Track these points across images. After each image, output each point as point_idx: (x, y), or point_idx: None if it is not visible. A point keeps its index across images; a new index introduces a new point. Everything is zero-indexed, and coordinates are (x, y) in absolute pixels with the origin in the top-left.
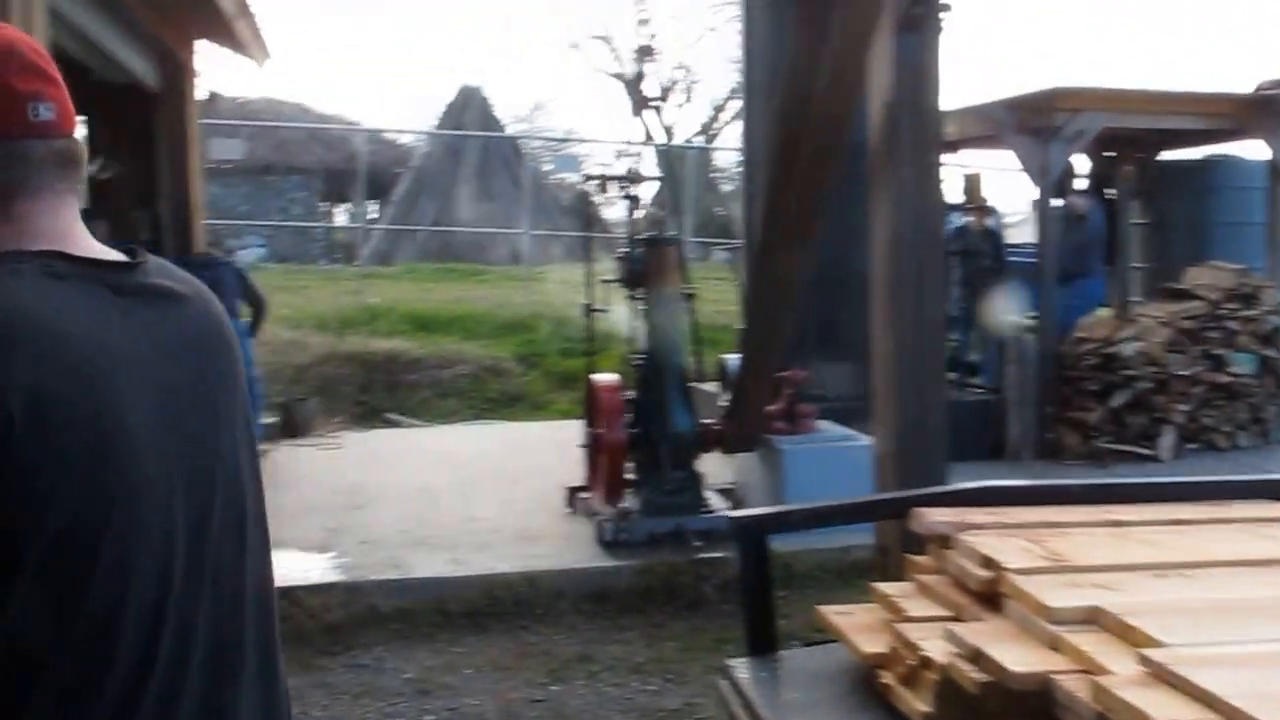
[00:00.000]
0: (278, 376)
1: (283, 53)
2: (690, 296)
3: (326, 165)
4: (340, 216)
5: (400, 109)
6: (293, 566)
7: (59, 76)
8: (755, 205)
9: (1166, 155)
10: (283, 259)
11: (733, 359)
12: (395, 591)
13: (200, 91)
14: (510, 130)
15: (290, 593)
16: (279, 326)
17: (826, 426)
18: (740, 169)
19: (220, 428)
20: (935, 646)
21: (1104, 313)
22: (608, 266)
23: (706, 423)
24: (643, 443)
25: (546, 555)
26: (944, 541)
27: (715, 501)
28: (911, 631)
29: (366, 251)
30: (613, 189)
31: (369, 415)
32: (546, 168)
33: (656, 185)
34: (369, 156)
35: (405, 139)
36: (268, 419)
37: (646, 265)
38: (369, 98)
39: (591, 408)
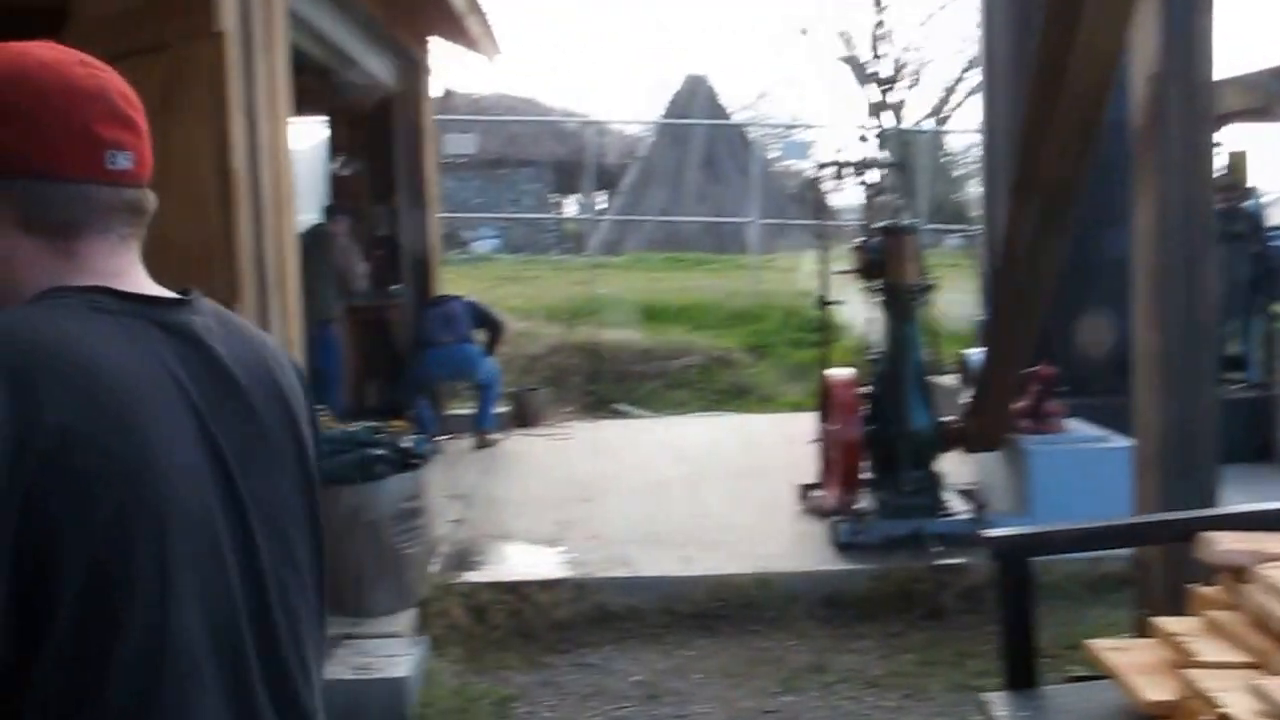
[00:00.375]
0: (510, 366)
1: (512, 47)
2: (929, 288)
3: (557, 157)
4: (570, 207)
5: (627, 99)
6: (521, 560)
7: (144, 126)
8: (997, 189)
9: None
10: (516, 250)
11: (975, 353)
12: (624, 589)
13: (434, 89)
14: (737, 118)
15: (519, 587)
16: (511, 317)
17: (1076, 426)
18: (979, 151)
19: (273, 475)
20: (1238, 702)
21: None
22: (841, 256)
23: (946, 420)
24: (879, 441)
25: (778, 556)
26: (1238, 573)
27: (955, 504)
28: (1205, 680)
29: (595, 241)
30: (847, 175)
31: (598, 406)
32: (773, 155)
33: (890, 171)
34: (597, 148)
35: (633, 129)
36: (501, 408)
37: (883, 255)
38: (597, 89)
39: (825, 403)
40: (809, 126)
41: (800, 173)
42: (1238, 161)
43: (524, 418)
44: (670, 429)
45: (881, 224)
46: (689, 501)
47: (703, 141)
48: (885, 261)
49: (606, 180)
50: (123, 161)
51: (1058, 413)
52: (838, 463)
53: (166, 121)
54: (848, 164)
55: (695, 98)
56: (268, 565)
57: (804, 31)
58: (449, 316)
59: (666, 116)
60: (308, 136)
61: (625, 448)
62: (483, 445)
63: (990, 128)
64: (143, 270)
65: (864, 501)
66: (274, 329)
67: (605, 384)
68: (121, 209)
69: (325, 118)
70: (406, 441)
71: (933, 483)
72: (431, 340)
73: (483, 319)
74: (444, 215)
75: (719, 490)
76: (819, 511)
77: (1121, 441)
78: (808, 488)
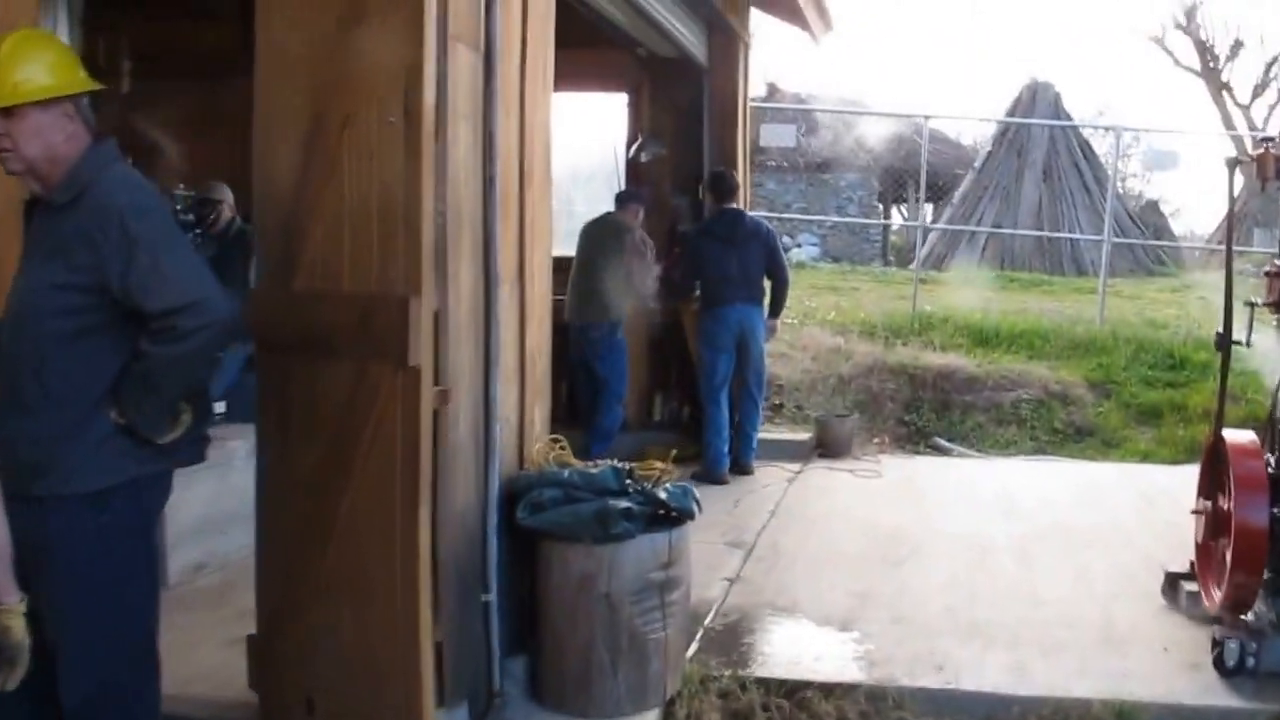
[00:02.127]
0: (817, 387)
1: (842, 47)
2: None
3: (885, 164)
4: (896, 217)
5: (963, 105)
6: (803, 647)
7: None
8: None
9: None
10: (836, 258)
11: None
12: (935, 705)
13: (754, 66)
14: (1084, 130)
15: (796, 690)
16: (823, 331)
17: None
18: None
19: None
20: None
21: None
22: (1251, 284)
23: None
24: None
25: (1140, 676)
26: None
27: None
28: None
29: (922, 254)
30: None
31: (914, 438)
32: (1125, 169)
33: None
34: (929, 155)
35: (968, 140)
36: (802, 434)
37: None
38: (931, 92)
39: (1215, 472)
40: (1177, 132)
41: (1143, 193)
42: None
43: (829, 447)
44: (997, 473)
45: None
46: (1020, 574)
47: (1044, 152)
48: None
49: (937, 190)
50: None
51: None
52: (1229, 554)
53: (353, 35)
54: None
55: (1037, 105)
56: None
57: (1157, 39)
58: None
59: (1006, 126)
60: (606, 115)
61: (943, 492)
62: (741, 472)
63: None
64: None
65: (1262, 611)
66: (503, 326)
67: (924, 414)
68: None
69: (626, 94)
70: (665, 490)
71: None
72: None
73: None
74: (760, 214)
75: (1058, 563)
76: (1194, 612)
77: None
78: (1177, 577)
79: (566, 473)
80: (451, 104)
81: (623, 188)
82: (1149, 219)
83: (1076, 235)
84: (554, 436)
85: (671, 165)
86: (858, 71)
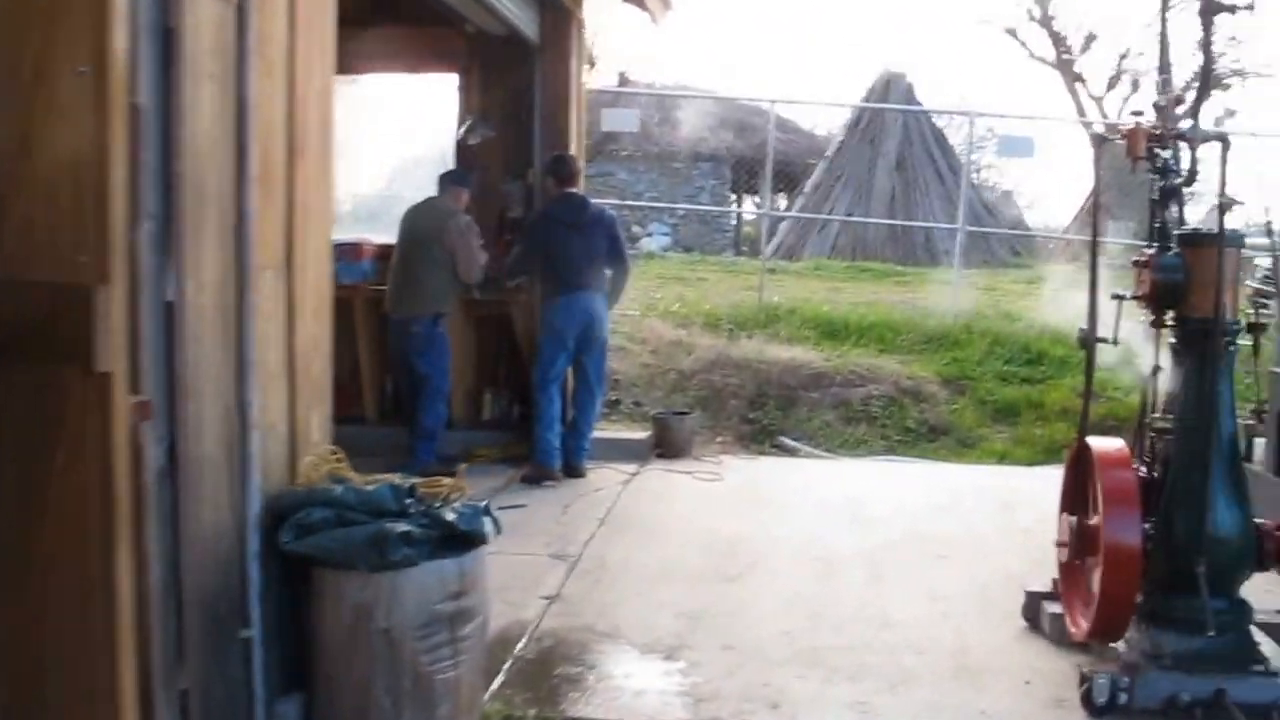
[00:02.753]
0: (656, 383)
1: (691, 37)
2: (1257, 327)
3: (736, 153)
4: (751, 206)
5: (818, 95)
6: (625, 682)
7: None
8: None
9: None
10: (687, 248)
11: None
12: None
13: (606, 53)
14: (937, 120)
15: None
16: (665, 324)
17: None
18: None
19: None
20: None
21: None
22: (1117, 274)
23: (1265, 525)
24: (1163, 550)
25: (998, 715)
26: None
27: (1271, 651)
28: None
29: (773, 244)
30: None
31: (758, 437)
32: (980, 158)
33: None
34: (782, 144)
35: (823, 130)
36: (640, 433)
37: (1184, 275)
38: (784, 82)
39: (1079, 486)
40: (1030, 119)
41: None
42: None
43: (667, 447)
44: (845, 475)
45: (1185, 230)
46: (869, 594)
47: (897, 141)
48: (1186, 285)
49: (790, 180)
50: None
51: None
52: (1098, 578)
53: None
54: (1171, 135)
55: (891, 94)
56: None
57: (1011, 31)
58: None
59: (859, 115)
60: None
61: (787, 497)
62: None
63: None
64: None
65: (1134, 641)
66: (265, 320)
67: (769, 411)
68: None
69: (453, 76)
70: (454, 510)
71: (1241, 618)
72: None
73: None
74: (605, 201)
75: (910, 578)
76: (1057, 638)
77: None
78: (1039, 597)
79: (340, 490)
80: (189, 59)
81: (446, 170)
82: (1004, 210)
83: (929, 224)
84: (332, 448)
85: (502, 149)
86: (711, 62)
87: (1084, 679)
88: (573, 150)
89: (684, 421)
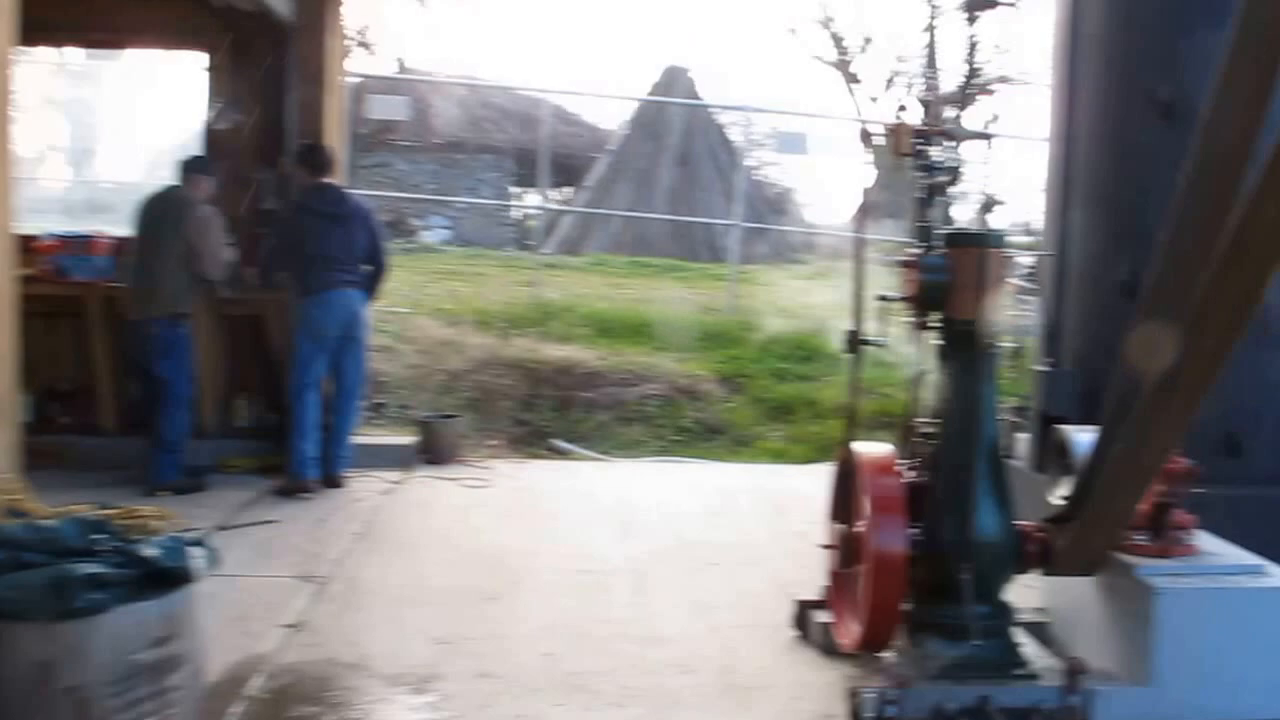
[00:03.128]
0: (424, 384)
1: (480, 33)
2: (1018, 331)
3: (519, 145)
4: (532, 199)
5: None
6: None
7: None
8: (1071, 204)
9: None
10: (468, 242)
11: (1082, 435)
12: None
13: (372, 39)
14: (720, 116)
15: None
16: (434, 322)
17: (1211, 547)
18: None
19: None
20: None
21: None
22: (884, 274)
23: (1026, 527)
24: (928, 556)
25: None
26: None
27: (1035, 657)
28: None
29: (555, 239)
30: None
31: (531, 439)
32: (760, 155)
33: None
34: (565, 138)
35: (607, 123)
36: (405, 438)
37: (949, 277)
38: (567, 76)
39: (847, 493)
40: (807, 115)
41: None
42: None
43: (433, 452)
44: (618, 478)
45: (949, 231)
46: (636, 609)
47: (680, 136)
48: (951, 287)
49: (574, 173)
50: None
51: (1188, 525)
52: (865, 587)
53: None
54: (929, 131)
55: (674, 90)
56: None
57: (793, 31)
58: None
59: (643, 108)
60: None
61: (557, 504)
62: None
63: (1066, 134)
64: None
65: (901, 649)
66: None
67: (542, 413)
68: None
69: (200, 54)
70: (156, 545)
71: (1004, 622)
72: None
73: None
74: (383, 194)
75: (680, 590)
76: (827, 649)
77: None
78: (808, 606)
79: (17, 527)
80: None
81: (190, 157)
82: (785, 207)
83: (708, 219)
84: (6, 476)
85: (254, 135)
86: (496, 53)
87: (852, 694)
88: (332, 138)
89: (452, 425)
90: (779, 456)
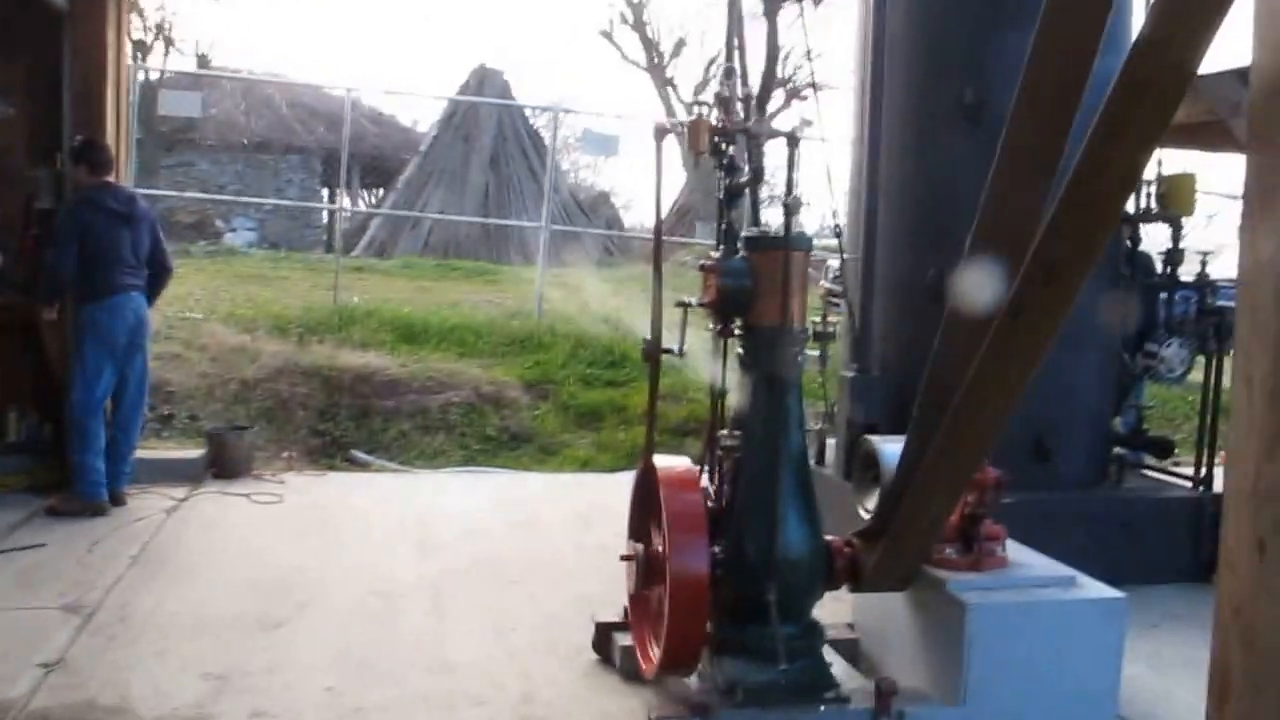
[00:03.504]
0: (215, 394)
1: (289, 30)
2: (824, 337)
3: (328, 145)
4: (342, 201)
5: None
6: None
7: None
8: (876, 208)
9: None
10: (274, 245)
11: (890, 445)
12: None
13: (171, 33)
14: (532, 118)
15: None
16: (227, 328)
17: (1021, 558)
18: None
19: None
20: None
21: None
22: (684, 278)
23: (835, 542)
24: (734, 575)
25: None
26: None
27: (841, 673)
28: None
29: (364, 241)
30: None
31: (329, 450)
32: (574, 156)
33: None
34: (375, 139)
35: (424, 127)
36: (193, 451)
37: (750, 281)
38: (378, 77)
39: (647, 510)
40: (619, 116)
41: (595, 186)
42: (1182, 188)
43: (223, 466)
44: (419, 491)
45: (751, 234)
46: (430, 633)
47: (492, 138)
48: (753, 292)
49: (384, 175)
50: None
51: (998, 537)
52: (668, 612)
53: None
54: (733, 129)
55: (485, 90)
56: None
57: (606, 34)
58: None
59: (453, 108)
60: None
61: (353, 520)
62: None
63: (870, 137)
64: None
65: (705, 673)
66: None
67: (340, 422)
68: None
69: None
70: None
71: (813, 642)
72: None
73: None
74: (184, 195)
75: (477, 611)
76: (629, 673)
77: (1102, 589)
78: (610, 628)
79: None
80: None
81: None
82: (600, 209)
83: (516, 222)
84: None
85: (27, 129)
86: (306, 52)
87: None
88: (114, 134)
89: (243, 437)
90: (586, 465)
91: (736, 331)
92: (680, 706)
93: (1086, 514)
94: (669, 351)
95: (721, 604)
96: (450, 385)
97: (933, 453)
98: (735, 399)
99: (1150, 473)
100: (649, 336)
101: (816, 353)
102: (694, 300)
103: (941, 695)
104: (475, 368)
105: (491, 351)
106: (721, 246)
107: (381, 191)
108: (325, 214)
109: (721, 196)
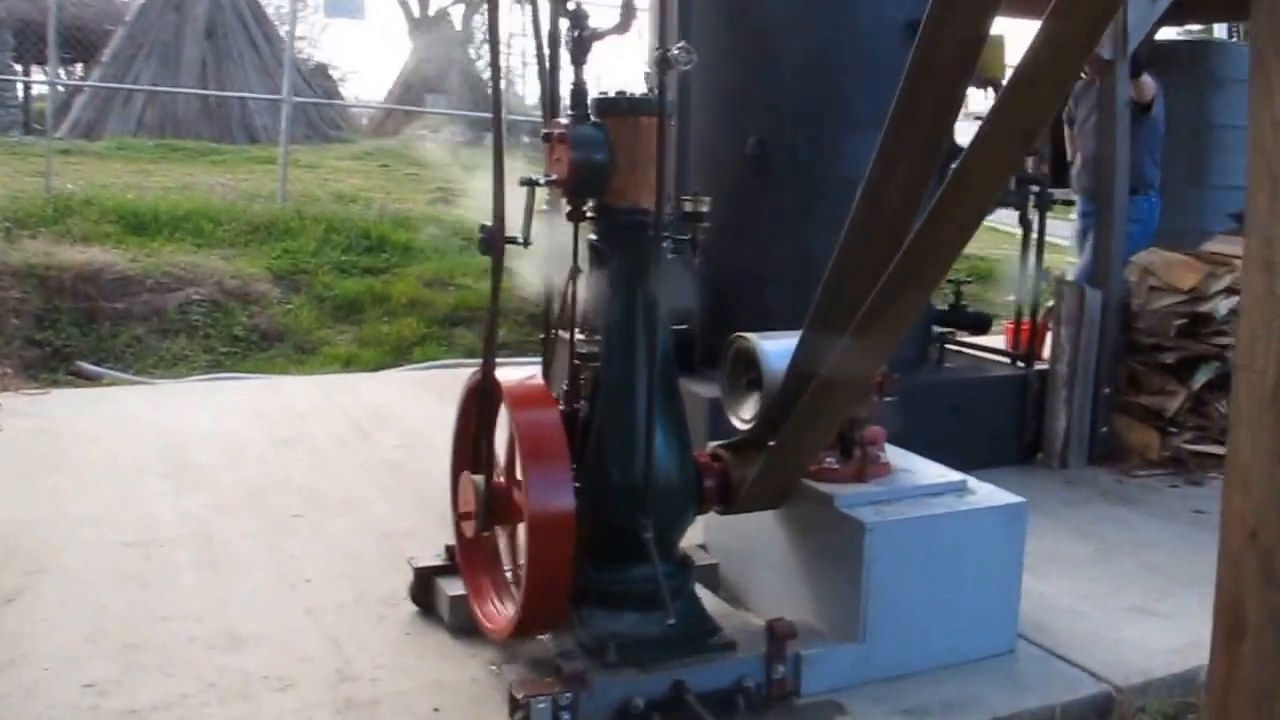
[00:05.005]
0: None
1: None
2: (694, 216)
3: (20, 16)
4: (38, 78)
5: None
6: None
7: None
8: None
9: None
10: None
11: (772, 344)
12: None
13: None
14: None
15: None
16: None
17: (903, 463)
18: None
19: None
20: None
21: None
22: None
23: (701, 458)
24: (596, 509)
25: None
26: None
27: (711, 606)
28: None
29: (68, 122)
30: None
31: (50, 364)
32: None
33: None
34: (73, 8)
35: None
36: None
37: (607, 155)
38: None
39: (481, 433)
40: None
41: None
42: (992, 54)
43: None
44: (164, 406)
45: (610, 96)
46: (205, 595)
47: (206, 7)
48: (610, 167)
49: (88, 48)
50: None
51: (879, 441)
52: (527, 556)
53: None
54: None
55: None
56: None
57: None
58: None
59: None
60: None
61: (89, 448)
62: None
63: None
64: None
65: (575, 634)
66: None
67: (63, 329)
68: None
69: None
70: None
71: (686, 583)
72: None
73: None
74: None
75: (259, 558)
76: (459, 625)
77: (999, 494)
78: (431, 573)
79: None
80: None
81: None
82: (320, 83)
83: (250, 95)
84: None
85: None
86: None
87: (516, 705)
88: None
89: None
90: (349, 363)
91: (589, 214)
92: (549, 679)
93: (911, 398)
94: (514, 241)
95: (582, 543)
96: (189, 281)
97: (842, 348)
98: (588, 295)
99: (970, 350)
100: (487, 224)
101: (687, 236)
102: (541, 178)
103: (836, 631)
104: (216, 260)
105: (233, 241)
106: (554, 113)
107: (83, 67)
108: (20, 92)
109: (571, 48)
